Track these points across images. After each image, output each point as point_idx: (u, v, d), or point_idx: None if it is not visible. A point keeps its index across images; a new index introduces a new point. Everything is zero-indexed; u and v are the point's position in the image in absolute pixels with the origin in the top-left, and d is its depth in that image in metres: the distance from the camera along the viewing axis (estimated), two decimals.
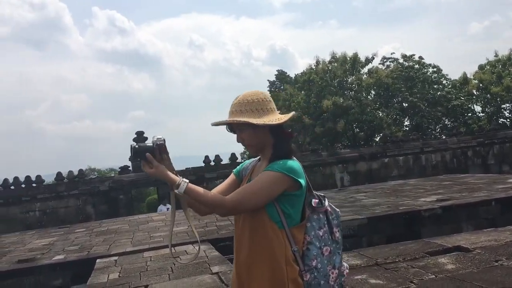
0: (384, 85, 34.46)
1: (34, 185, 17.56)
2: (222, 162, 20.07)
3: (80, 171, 18.39)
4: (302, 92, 35.41)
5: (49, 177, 18.38)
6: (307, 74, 35.73)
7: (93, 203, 17.99)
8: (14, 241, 11.28)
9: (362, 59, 34.61)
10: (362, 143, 33.88)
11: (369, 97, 35.58)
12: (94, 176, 19.69)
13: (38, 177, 17.81)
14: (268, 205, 2.11)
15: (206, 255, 7.07)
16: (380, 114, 35.18)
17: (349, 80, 35.02)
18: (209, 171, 19.21)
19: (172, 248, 2.60)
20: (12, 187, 17.41)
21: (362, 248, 7.04)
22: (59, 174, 17.97)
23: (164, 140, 2.13)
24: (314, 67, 35.40)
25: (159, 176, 2.09)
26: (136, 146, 2.12)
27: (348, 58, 34.08)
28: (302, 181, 2.12)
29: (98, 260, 7.56)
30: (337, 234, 2.23)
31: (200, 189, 2.11)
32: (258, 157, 2.35)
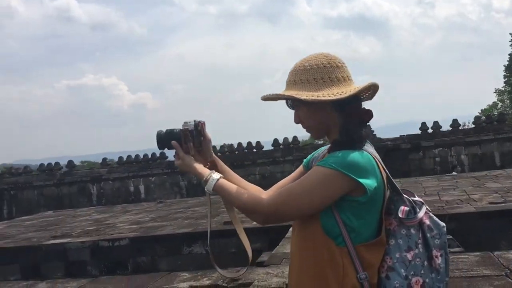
0: None
1: (254, 150, 19.10)
2: (441, 129, 18.38)
3: (294, 137, 19.20)
4: None
5: (267, 144, 19.74)
6: None
7: None
8: None
9: None
10: None
11: None
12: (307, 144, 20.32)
13: (258, 143, 19.27)
14: (325, 213, 1.55)
15: None
16: None
17: None
18: (426, 139, 17.80)
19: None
20: (236, 152, 19.29)
21: None
22: (275, 140, 19.11)
23: (196, 124, 1.75)
24: None
25: (186, 169, 1.74)
26: (161, 133, 1.77)
27: None
28: (369, 182, 1.51)
29: (291, 228, 7.70)
30: (439, 260, 1.54)
31: (232, 187, 1.69)
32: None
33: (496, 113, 26.55)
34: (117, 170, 19.64)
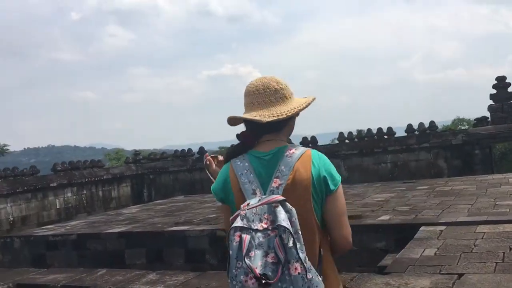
0: None
1: (385, 137, 17.73)
2: None
3: (431, 123, 17.37)
4: None
5: (399, 130, 18.16)
6: None
7: (445, 157, 16.78)
8: (356, 193, 11.53)
9: None
10: None
11: None
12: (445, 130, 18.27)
13: (389, 129, 17.84)
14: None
15: None
16: None
17: None
18: None
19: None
20: (366, 139, 18.11)
21: None
22: (409, 126, 17.50)
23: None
24: None
25: None
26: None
27: None
28: None
29: (422, 228, 6.67)
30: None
31: None
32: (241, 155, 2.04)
33: None
34: None
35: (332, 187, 1.91)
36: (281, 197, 1.80)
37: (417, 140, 17.20)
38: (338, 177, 1.96)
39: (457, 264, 4.77)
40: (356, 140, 18.31)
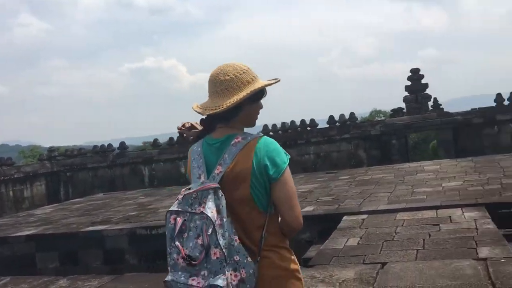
0: None
1: (308, 128, 17.98)
2: None
3: (351, 114, 17.85)
4: None
5: (322, 122, 18.51)
6: None
7: (365, 147, 17.32)
8: None
9: None
10: None
11: None
12: (364, 121, 18.84)
13: (312, 121, 18.11)
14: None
15: (475, 227, 5.33)
16: None
17: None
18: (502, 112, 15.88)
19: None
20: (289, 131, 18.25)
21: None
22: (331, 117, 17.86)
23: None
24: None
25: None
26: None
27: None
28: None
29: (344, 218, 6.69)
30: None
31: None
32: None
33: None
34: (168, 151, 19.19)
35: (274, 175, 1.92)
36: (214, 185, 1.88)
37: (338, 131, 17.60)
38: (282, 164, 1.96)
39: (379, 253, 4.77)
40: (280, 132, 18.40)
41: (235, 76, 1.97)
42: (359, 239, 5.42)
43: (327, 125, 17.96)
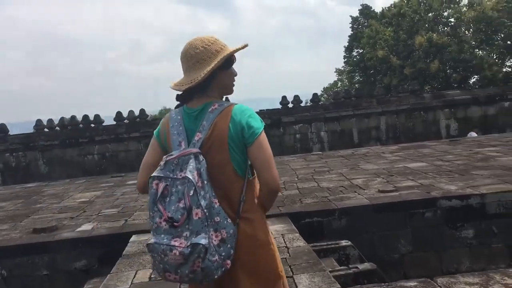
0: (488, 19, 29.36)
1: (92, 125, 15.97)
2: (301, 104, 17.35)
3: (142, 111, 16.48)
4: (390, 28, 31.23)
5: (108, 119, 16.70)
6: (397, 7, 31.36)
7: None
8: (55, 193, 9.55)
9: None
10: (455, 86, 29.63)
11: (467, 33, 30.75)
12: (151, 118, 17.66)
13: (97, 116, 16.14)
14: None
15: (285, 245, 4.64)
16: (480, 53, 30.43)
17: (446, 14, 30.61)
18: (286, 114, 16.56)
19: None
20: (69, 127, 15.94)
21: None
22: (118, 114, 16.18)
23: None
24: None
25: None
26: None
27: None
28: None
29: (133, 238, 5.41)
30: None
31: None
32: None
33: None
34: None
35: (250, 138, 1.93)
36: (195, 150, 1.91)
37: (127, 129, 16.08)
38: (257, 127, 1.95)
39: None
40: (57, 129, 15.93)
41: (204, 48, 2.00)
42: (151, 271, 4.22)
43: (115, 122, 16.25)
